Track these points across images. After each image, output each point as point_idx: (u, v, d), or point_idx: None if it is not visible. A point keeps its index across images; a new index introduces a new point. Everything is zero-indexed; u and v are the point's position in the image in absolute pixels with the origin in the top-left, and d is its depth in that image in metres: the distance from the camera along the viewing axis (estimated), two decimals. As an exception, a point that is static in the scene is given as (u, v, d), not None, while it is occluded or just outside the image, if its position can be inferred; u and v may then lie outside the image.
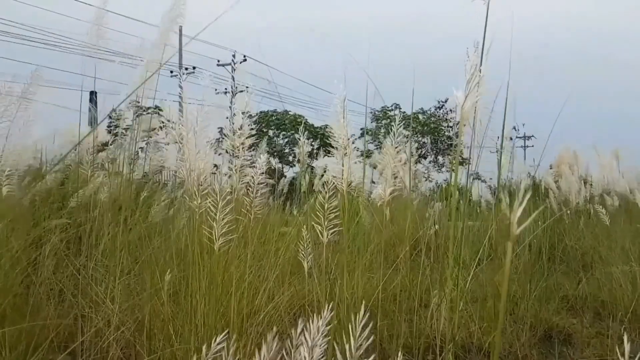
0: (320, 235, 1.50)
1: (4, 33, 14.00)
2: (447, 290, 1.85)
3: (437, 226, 2.76)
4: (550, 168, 5.63)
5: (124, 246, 2.02)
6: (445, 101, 26.17)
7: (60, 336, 1.93)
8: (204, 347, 0.73)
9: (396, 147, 1.91)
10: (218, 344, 0.72)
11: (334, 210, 1.48)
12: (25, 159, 2.87)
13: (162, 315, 1.70)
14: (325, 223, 1.49)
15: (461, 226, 1.77)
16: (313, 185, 4.84)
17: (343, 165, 1.60)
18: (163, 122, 3.62)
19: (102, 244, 2.11)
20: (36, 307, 1.90)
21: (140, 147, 3.59)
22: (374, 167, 4.87)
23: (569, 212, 4.25)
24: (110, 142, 4.16)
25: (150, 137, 3.68)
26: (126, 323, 1.74)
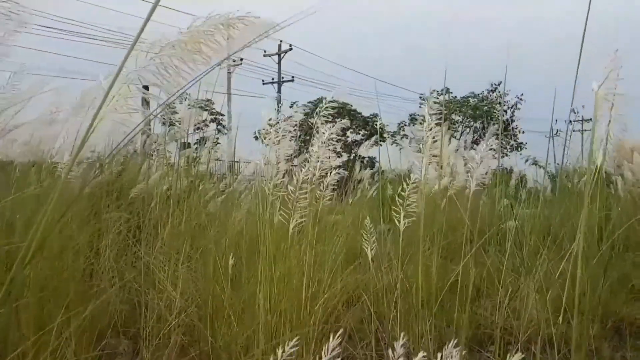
0: (397, 223, 1.51)
1: (52, 30, 14.59)
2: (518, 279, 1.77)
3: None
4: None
5: (186, 233, 2.04)
6: (499, 84, 25.19)
7: (122, 322, 1.98)
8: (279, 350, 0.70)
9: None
10: (291, 347, 0.70)
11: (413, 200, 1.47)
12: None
13: (222, 300, 1.71)
14: (403, 212, 1.49)
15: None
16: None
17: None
18: (213, 115, 3.65)
19: (164, 231, 2.15)
20: (99, 294, 1.95)
21: (196, 140, 3.63)
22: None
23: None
24: (165, 134, 4.24)
25: (201, 129, 3.72)
26: (187, 309, 1.76)
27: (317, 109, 1.98)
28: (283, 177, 1.80)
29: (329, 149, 1.77)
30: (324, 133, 1.75)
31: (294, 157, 2.06)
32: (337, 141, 1.85)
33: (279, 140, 1.73)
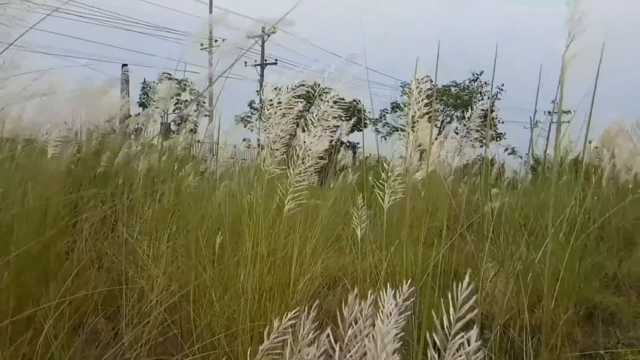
0: (381, 200, 1.51)
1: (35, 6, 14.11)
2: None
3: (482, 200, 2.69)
4: (594, 146, 5.41)
5: (168, 211, 2.02)
6: (480, 74, 25.40)
7: (102, 300, 1.95)
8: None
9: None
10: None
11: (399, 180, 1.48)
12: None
13: (204, 280, 1.70)
14: (388, 192, 1.50)
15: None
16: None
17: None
18: (194, 95, 3.59)
19: (147, 210, 2.12)
20: (77, 271, 1.92)
21: (173, 120, 3.58)
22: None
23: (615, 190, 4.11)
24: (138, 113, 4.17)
25: (181, 109, 3.67)
26: (169, 288, 1.75)
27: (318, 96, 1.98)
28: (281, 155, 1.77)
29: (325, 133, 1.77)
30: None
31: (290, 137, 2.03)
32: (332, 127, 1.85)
33: (283, 115, 1.69)
